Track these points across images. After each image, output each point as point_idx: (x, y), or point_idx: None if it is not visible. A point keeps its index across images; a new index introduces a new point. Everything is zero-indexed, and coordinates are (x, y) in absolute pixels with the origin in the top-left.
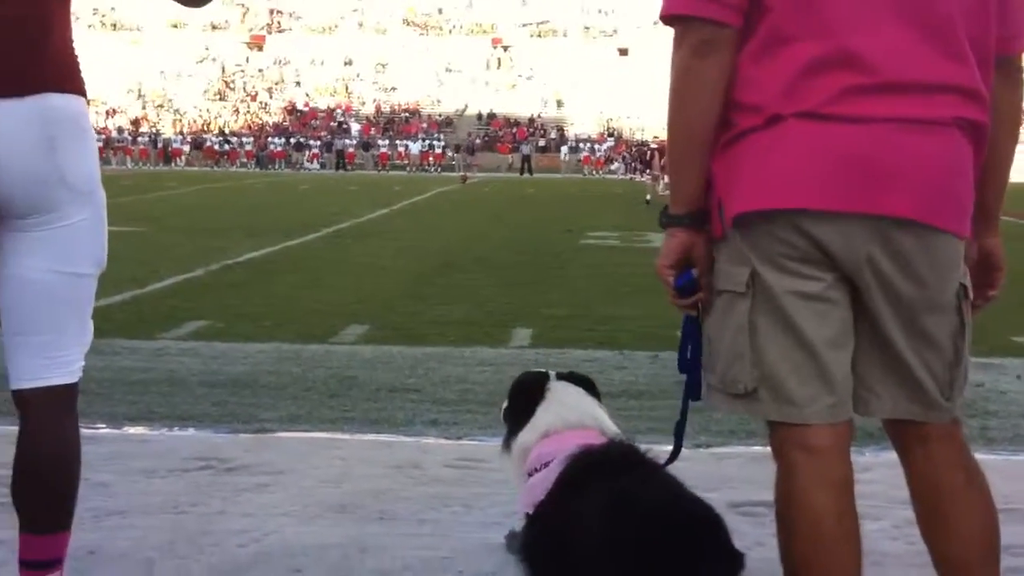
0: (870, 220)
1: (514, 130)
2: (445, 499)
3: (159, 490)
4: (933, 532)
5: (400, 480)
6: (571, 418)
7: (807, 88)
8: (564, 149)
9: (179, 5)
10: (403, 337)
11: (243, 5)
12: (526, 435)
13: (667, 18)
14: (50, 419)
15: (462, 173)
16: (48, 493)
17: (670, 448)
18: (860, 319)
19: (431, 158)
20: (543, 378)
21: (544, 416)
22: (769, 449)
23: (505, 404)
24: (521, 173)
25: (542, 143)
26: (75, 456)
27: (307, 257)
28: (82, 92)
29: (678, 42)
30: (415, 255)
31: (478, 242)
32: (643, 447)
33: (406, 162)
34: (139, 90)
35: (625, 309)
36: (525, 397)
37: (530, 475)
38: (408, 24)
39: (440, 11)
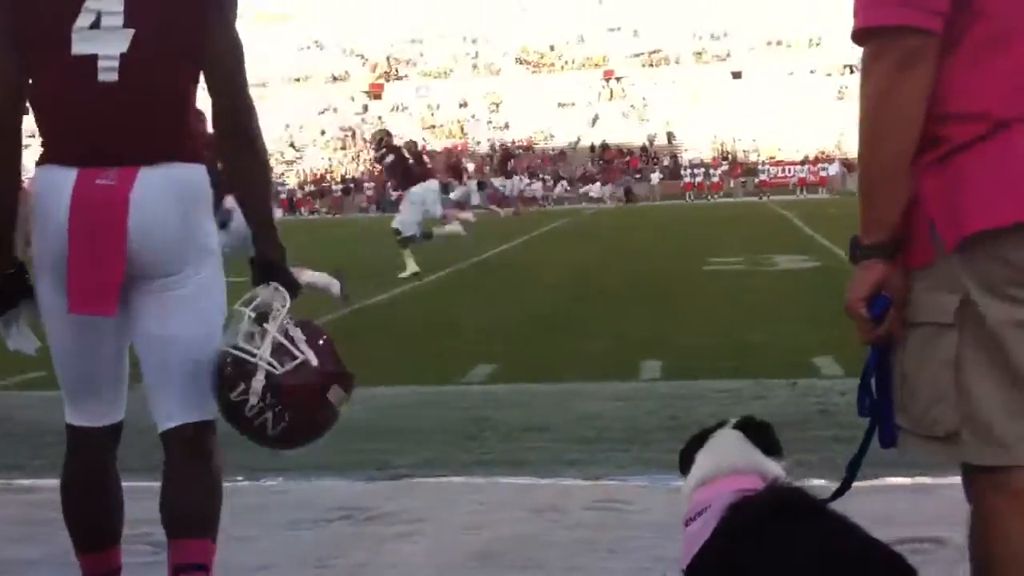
0: None
1: (627, 159)
2: (590, 544)
3: (302, 542)
4: None
5: (542, 525)
6: (724, 464)
7: None
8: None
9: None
10: (534, 373)
11: (362, 56)
12: (685, 484)
13: (866, 31)
14: (192, 454)
15: (514, 209)
16: (189, 513)
17: (823, 483)
18: None
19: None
20: (715, 426)
21: (701, 463)
22: (932, 480)
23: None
24: (626, 202)
25: (656, 172)
26: (220, 485)
27: (433, 297)
28: (204, 161)
29: (876, 57)
30: (540, 289)
31: (600, 273)
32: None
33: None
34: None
35: (756, 336)
36: (691, 447)
37: (687, 525)
38: (521, 63)
39: (552, 48)
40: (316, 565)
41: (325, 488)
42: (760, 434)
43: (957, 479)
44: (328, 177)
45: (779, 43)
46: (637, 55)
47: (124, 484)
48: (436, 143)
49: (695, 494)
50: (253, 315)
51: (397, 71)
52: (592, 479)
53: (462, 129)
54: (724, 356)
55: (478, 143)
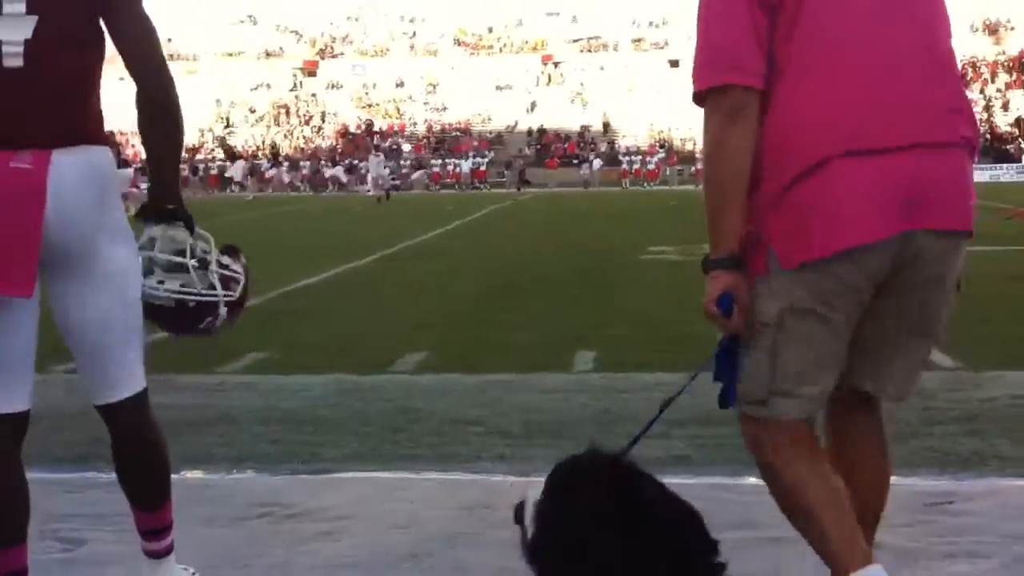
0: (910, 234)
1: (565, 145)
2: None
3: (220, 540)
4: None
5: (472, 524)
6: None
7: (842, 129)
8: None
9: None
10: (464, 365)
11: (297, 33)
12: None
13: (701, 93)
14: (138, 421)
15: (378, 193)
16: (152, 479)
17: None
18: (875, 319)
19: (479, 175)
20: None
21: None
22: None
23: None
24: (518, 188)
25: (594, 157)
26: (164, 443)
27: (363, 282)
28: (108, 144)
29: (710, 112)
30: (472, 276)
31: (535, 261)
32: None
33: (456, 180)
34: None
35: (691, 327)
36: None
37: None
38: (459, 44)
39: (490, 30)
40: (233, 565)
41: (245, 483)
42: None
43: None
44: (260, 154)
45: None
46: (576, 40)
47: (30, 477)
48: (373, 123)
49: None
50: (195, 262)
51: (332, 48)
52: (522, 475)
53: (398, 110)
54: (659, 348)
55: (415, 124)
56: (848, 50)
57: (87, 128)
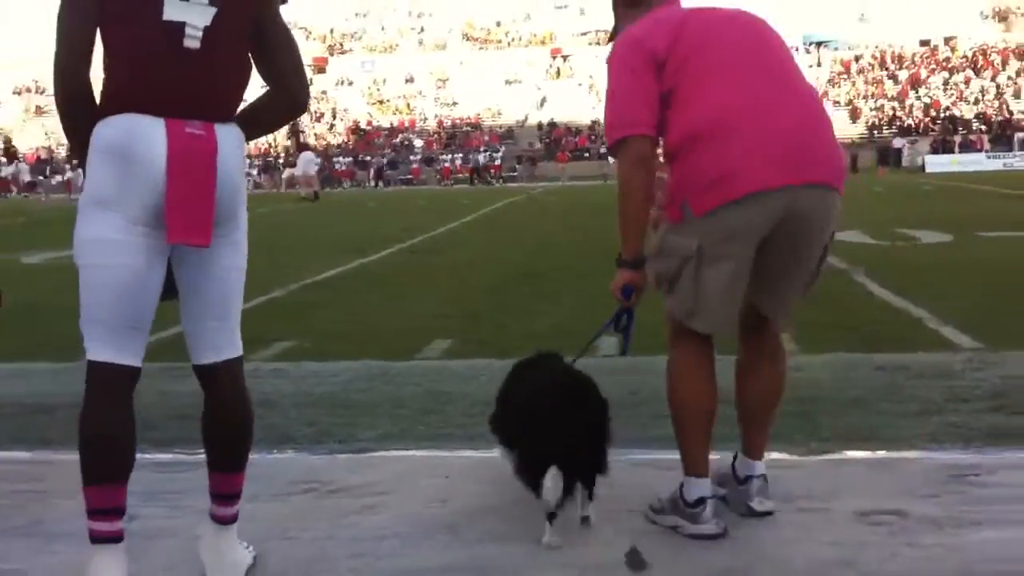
0: (793, 188)
1: (576, 138)
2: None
3: (265, 516)
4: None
5: (505, 497)
6: None
7: (737, 115)
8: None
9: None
10: (490, 350)
11: (306, 30)
12: None
13: (610, 148)
14: (238, 383)
15: (308, 192)
16: (244, 440)
17: (777, 455)
18: (769, 256)
19: (491, 170)
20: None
21: None
22: (889, 455)
23: None
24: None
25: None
26: (253, 409)
27: (384, 273)
28: None
29: (619, 160)
30: (493, 267)
31: (554, 250)
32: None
33: (468, 175)
34: None
35: None
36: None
37: None
38: (467, 39)
39: (498, 24)
40: (281, 538)
41: (286, 462)
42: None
43: (913, 454)
44: (271, 151)
45: None
46: (584, 33)
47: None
48: (383, 119)
49: None
50: None
51: (342, 45)
52: None
53: (408, 105)
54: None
55: (425, 119)
56: (728, 74)
57: (236, 110)
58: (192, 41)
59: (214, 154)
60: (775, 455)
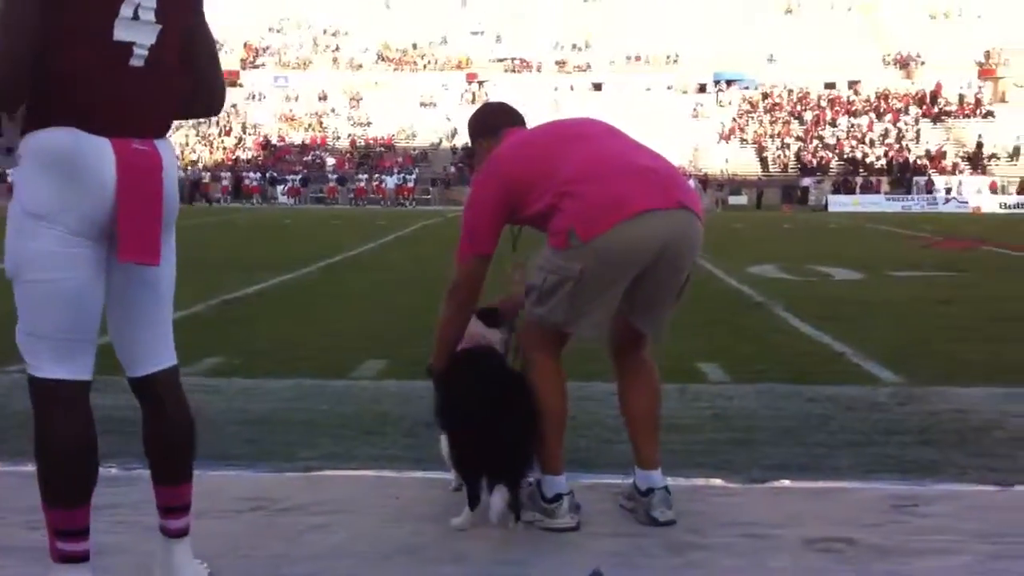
0: (673, 211)
1: None
2: (514, 535)
3: (215, 533)
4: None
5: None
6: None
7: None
8: None
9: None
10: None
11: (218, 42)
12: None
13: (461, 259)
14: (178, 391)
15: None
16: (186, 450)
17: (721, 483)
18: (646, 280)
19: (405, 192)
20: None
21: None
22: (831, 484)
23: None
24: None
25: None
26: (193, 417)
27: (306, 291)
28: None
29: (457, 269)
30: (417, 287)
31: None
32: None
33: (381, 196)
34: None
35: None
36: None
37: None
38: (383, 59)
39: (414, 46)
40: (234, 556)
41: (230, 478)
42: (489, 316)
43: (858, 484)
44: (180, 164)
45: (638, 59)
46: (500, 60)
47: (23, 470)
48: (295, 136)
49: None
50: None
51: (254, 60)
52: None
53: (320, 123)
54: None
55: (338, 138)
56: (594, 141)
57: (171, 123)
58: (138, 60)
59: (159, 170)
60: (717, 482)
